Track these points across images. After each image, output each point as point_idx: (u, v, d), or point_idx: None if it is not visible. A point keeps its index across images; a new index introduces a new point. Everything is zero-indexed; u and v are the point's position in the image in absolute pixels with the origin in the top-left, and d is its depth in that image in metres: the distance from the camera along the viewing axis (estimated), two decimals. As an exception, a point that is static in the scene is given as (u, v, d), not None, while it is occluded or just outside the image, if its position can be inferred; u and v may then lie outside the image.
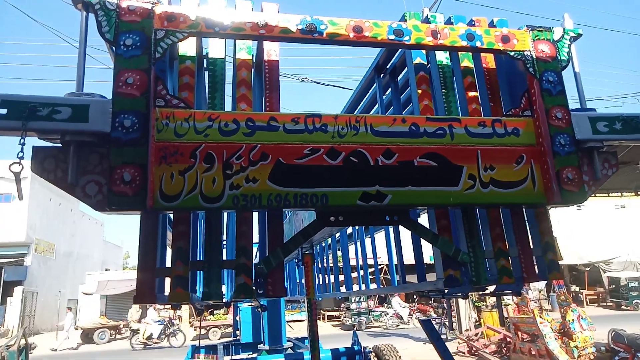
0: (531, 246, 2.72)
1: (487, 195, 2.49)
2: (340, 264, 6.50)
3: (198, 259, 2.86)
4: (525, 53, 2.73)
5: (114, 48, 2.24)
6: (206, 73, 3.24)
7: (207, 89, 2.57)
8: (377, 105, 3.97)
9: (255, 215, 2.53)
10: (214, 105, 2.55)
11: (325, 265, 7.18)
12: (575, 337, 11.02)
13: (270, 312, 7.08)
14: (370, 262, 5.38)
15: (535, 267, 2.70)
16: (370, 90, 4.14)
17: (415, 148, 2.48)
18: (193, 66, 2.55)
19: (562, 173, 2.52)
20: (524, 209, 2.80)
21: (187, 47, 2.61)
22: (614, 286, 26.63)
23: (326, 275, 7.09)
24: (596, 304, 27.89)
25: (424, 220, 3.10)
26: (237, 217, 2.43)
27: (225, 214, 3.07)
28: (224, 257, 2.50)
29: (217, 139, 2.29)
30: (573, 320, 11.21)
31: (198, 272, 2.39)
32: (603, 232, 28.20)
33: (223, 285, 2.34)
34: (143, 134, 2.12)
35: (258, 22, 2.41)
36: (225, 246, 2.96)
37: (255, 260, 2.56)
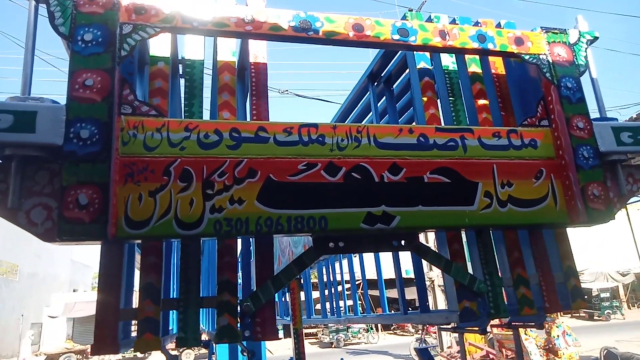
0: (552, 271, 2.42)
1: (506, 215, 2.19)
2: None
3: (172, 296, 2.45)
4: (541, 57, 2.47)
5: (70, 44, 1.86)
6: (182, 80, 2.88)
7: (183, 96, 2.21)
8: (370, 114, 3.66)
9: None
10: (191, 114, 2.18)
11: (306, 282, 6.81)
12: (560, 354, 10.85)
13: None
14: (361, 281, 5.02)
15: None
16: (363, 99, 3.83)
17: (424, 162, 2.17)
18: (167, 68, 2.18)
19: (587, 189, 2.24)
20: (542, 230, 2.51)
21: (159, 46, 2.24)
22: (586, 297, 26.86)
23: (313, 294, 6.71)
24: (569, 315, 28.16)
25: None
26: (219, 246, 2.05)
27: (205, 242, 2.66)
28: (203, 294, 2.11)
29: (196, 153, 1.93)
30: (558, 336, 11.06)
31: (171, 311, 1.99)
32: (574, 243, 28.45)
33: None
34: (104, 147, 1.74)
35: (244, 18, 2.07)
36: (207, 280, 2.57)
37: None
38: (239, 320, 1.94)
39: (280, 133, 2.05)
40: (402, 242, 2.16)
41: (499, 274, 2.27)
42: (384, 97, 3.56)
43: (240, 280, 2.74)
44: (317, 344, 23.94)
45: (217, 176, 1.92)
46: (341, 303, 5.84)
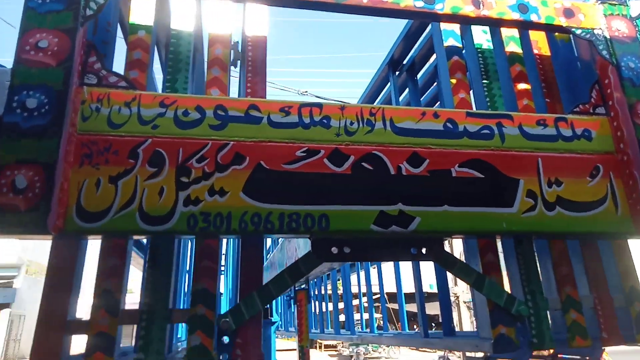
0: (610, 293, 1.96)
1: (554, 221, 1.76)
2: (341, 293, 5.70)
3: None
4: (596, 32, 2.04)
5: None
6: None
7: (166, 71, 1.88)
8: (392, 105, 3.27)
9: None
10: (173, 91, 1.85)
11: (321, 293, 6.37)
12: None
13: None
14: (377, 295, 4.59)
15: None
16: (384, 91, 3.45)
17: (452, 152, 1.77)
18: (148, 38, 1.86)
19: (657, 191, 1.79)
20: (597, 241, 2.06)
21: (142, 13, 1.92)
22: None
23: (324, 306, 6.27)
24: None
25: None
26: (196, 247, 1.70)
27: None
28: (174, 305, 1.76)
29: (171, 133, 1.59)
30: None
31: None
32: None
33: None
34: (55, 121, 1.41)
35: (237, -24, 1.74)
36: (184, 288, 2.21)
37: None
38: (216, 339, 1.57)
39: (276, 113, 1.69)
40: (423, 250, 1.75)
41: (544, 294, 1.83)
42: (407, 89, 3.16)
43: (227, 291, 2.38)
44: (337, 357, 23.29)
45: (196, 161, 1.57)
46: (357, 316, 5.40)
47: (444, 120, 1.83)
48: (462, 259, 2.05)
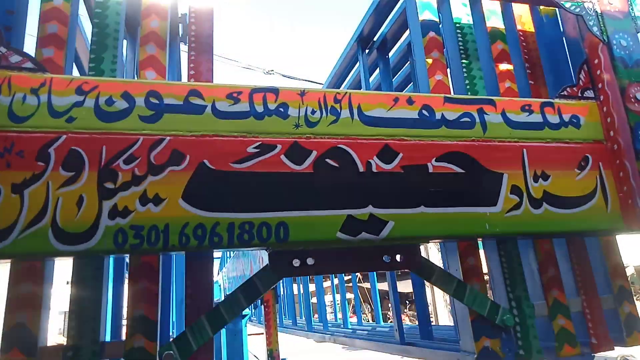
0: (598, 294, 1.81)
1: (540, 220, 1.58)
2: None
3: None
4: (586, 5, 1.83)
5: None
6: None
7: (89, 49, 1.56)
8: (361, 90, 3.01)
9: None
10: (99, 73, 1.54)
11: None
12: None
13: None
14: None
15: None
16: (353, 70, 3.18)
17: (429, 145, 1.55)
18: (67, 8, 1.53)
19: (651, 184, 1.63)
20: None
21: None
22: None
23: (295, 288, 6.09)
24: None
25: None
26: (130, 265, 1.42)
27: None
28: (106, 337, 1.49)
29: (92, 127, 1.29)
30: None
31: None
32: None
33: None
34: None
35: None
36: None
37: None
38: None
39: (223, 100, 1.42)
40: (398, 258, 1.54)
41: (530, 300, 1.66)
42: (378, 69, 2.90)
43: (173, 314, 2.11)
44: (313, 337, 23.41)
45: (123, 162, 1.29)
46: (329, 299, 5.23)
47: (419, 107, 1.59)
48: (440, 260, 1.86)
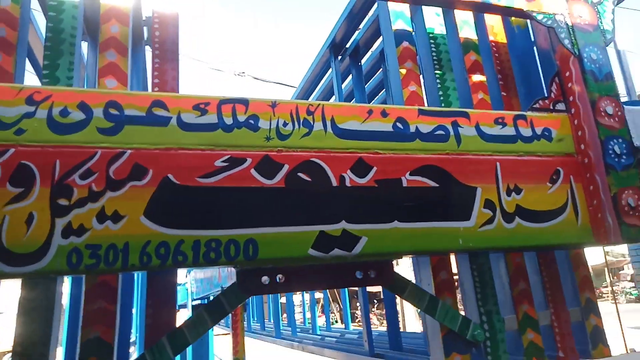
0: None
1: (513, 234, 1.57)
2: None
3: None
4: (557, 18, 1.84)
5: None
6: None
7: (38, 58, 1.46)
8: (333, 99, 2.97)
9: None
10: (54, 81, 1.44)
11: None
12: None
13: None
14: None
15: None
16: (325, 78, 3.14)
17: (403, 158, 1.52)
18: (15, 10, 1.42)
19: (620, 198, 1.64)
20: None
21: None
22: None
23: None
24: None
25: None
26: (86, 285, 1.33)
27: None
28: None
29: (44, 139, 1.20)
30: None
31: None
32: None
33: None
34: None
35: None
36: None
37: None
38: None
39: (189, 111, 1.34)
40: (370, 273, 1.50)
41: (500, 314, 1.65)
42: (350, 75, 2.87)
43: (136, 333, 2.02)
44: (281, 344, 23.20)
45: (79, 177, 1.20)
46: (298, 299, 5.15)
47: (393, 119, 1.56)
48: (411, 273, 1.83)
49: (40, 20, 2.03)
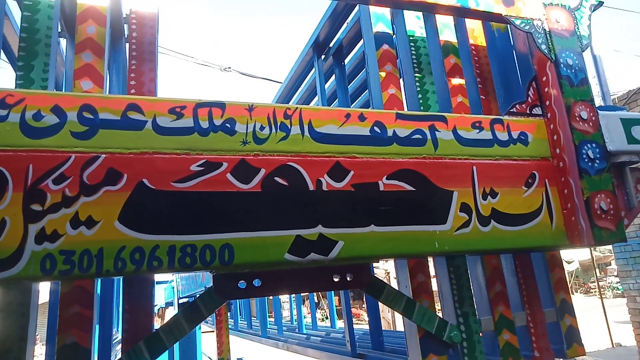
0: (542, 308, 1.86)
1: (488, 238, 1.59)
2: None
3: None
4: (535, 23, 1.86)
5: None
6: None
7: (16, 55, 1.44)
8: (316, 98, 2.97)
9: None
10: (28, 83, 1.42)
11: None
12: None
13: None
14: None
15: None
16: (309, 77, 3.14)
17: (380, 162, 1.53)
18: (-9, 9, 1.41)
19: (593, 201, 1.68)
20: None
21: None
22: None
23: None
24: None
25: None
26: (61, 290, 1.33)
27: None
28: None
29: (16, 144, 1.19)
30: None
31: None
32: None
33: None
34: None
35: None
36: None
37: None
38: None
39: (165, 115, 1.34)
40: (348, 277, 1.51)
41: (477, 316, 1.68)
42: (334, 74, 2.87)
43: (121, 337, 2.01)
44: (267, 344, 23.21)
45: (53, 182, 1.19)
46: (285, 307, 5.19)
47: (371, 123, 1.57)
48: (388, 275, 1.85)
49: (16, 13, 1.99)
